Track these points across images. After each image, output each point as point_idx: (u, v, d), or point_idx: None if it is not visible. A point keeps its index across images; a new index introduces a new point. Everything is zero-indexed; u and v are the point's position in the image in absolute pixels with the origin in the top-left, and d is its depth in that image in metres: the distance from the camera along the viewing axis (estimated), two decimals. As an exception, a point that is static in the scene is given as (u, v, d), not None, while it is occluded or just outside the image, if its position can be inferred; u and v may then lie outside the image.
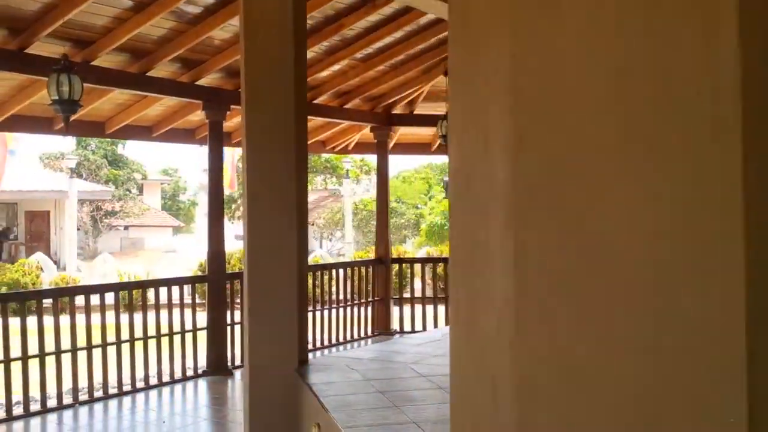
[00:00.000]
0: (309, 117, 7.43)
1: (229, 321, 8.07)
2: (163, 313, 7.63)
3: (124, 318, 7.22)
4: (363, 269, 9.97)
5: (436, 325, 10.29)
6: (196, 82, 7.62)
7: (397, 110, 10.17)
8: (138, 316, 7.31)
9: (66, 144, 43.54)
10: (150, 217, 38.58)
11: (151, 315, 7.48)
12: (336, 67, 8.53)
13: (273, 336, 5.04)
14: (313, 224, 37.45)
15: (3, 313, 6.23)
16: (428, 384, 4.59)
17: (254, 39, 4.90)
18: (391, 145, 10.32)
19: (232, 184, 21.75)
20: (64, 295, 7.17)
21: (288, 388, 4.91)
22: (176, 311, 7.70)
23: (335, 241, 39.45)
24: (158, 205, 42.22)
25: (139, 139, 8.76)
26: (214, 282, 7.88)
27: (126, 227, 37.99)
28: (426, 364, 5.14)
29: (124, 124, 8.12)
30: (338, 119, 9.62)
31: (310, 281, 8.72)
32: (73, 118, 7.45)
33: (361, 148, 11.46)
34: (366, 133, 10.49)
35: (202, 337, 8.00)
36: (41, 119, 7.47)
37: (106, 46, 6.48)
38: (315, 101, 8.78)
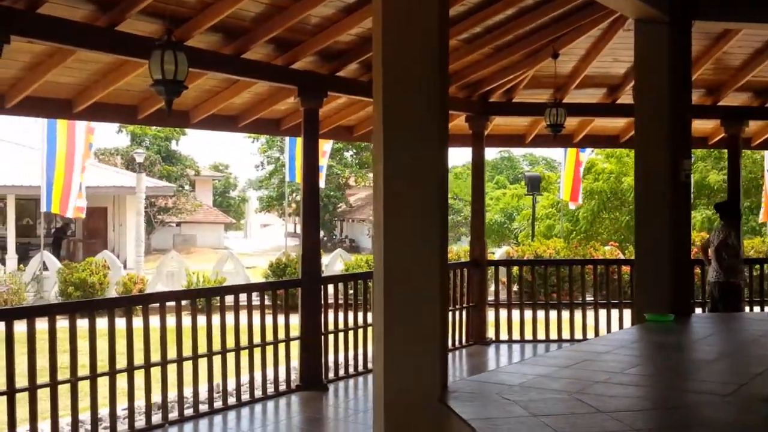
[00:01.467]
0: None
1: (323, 329, 7.34)
2: (242, 318, 6.87)
3: (202, 321, 6.47)
4: (457, 272, 9.15)
5: (537, 335, 9.44)
6: (291, 66, 6.89)
7: (494, 98, 9.33)
8: (216, 322, 6.52)
9: (119, 139, 43.63)
10: (202, 214, 38.38)
11: (229, 321, 6.74)
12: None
13: (413, 354, 4.27)
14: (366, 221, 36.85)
15: (91, 321, 5.59)
16: (618, 425, 3.76)
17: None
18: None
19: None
20: (168, 300, 6.40)
21: (433, 424, 4.12)
22: (256, 317, 6.89)
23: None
24: (210, 202, 42.06)
25: (224, 129, 8.07)
26: (309, 286, 7.16)
27: (178, 224, 37.84)
28: (592, 393, 4.31)
29: (210, 114, 7.43)
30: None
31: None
32: (153, 108, 6.85)
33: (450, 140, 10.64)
34: (457, 123, 9.65)
35: (294, 346, 7.28)
36: (126, 107, 6.83)
37: (202, 25, 5.78)
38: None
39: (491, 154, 50.93)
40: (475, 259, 9.33)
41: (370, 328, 7.59)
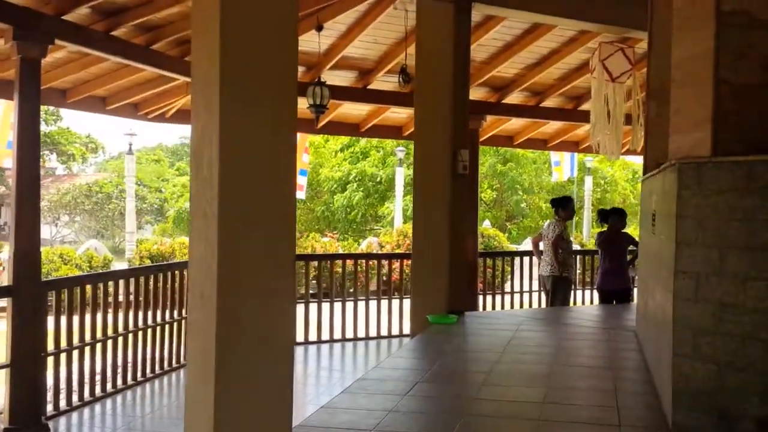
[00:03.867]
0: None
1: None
2: None
3: None
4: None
5: (308, 335, 8.51)
6: (5, -1, 5.08)
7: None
8: None
9: None
10: None
11: None
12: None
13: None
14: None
15: None
16: None
17: None
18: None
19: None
20: None
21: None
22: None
23: (61, 226, 34.60)
24: None
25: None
26: (24, 294, 5.41)
27: None
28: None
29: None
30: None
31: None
32: None
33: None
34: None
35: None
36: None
37: None
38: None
39: (172, 139, 48.52)
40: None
41: (100, 344, 6.11)
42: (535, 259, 9.02)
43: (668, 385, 3.19)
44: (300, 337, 8.65)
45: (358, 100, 9.02)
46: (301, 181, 14.93)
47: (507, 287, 10.18)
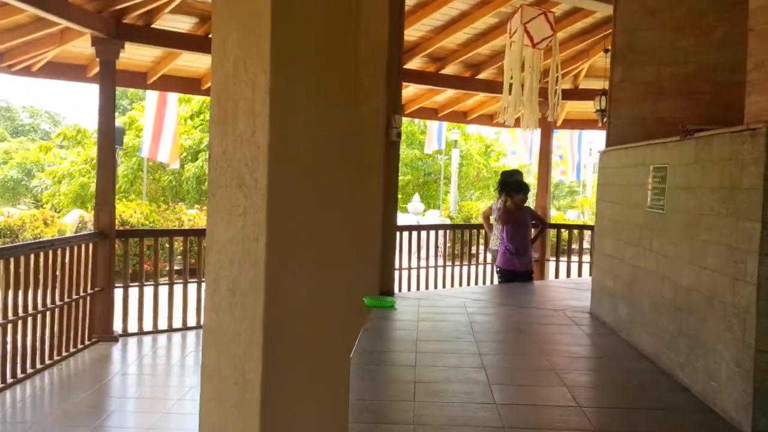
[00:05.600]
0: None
1: None
2: None
3: None
4: (81, 247, 6.77)
5: (173, 321, 7.66)
6: None
7: (129, 20, 7.12)
8: None
9: None
10: None
11: None
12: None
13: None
14: None
15: None
16: None
17: None
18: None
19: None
20: None
21: None
22: None
23: None
24: None
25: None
26: None
27: None
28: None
29: None
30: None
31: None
32: None
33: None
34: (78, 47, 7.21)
35: None
36: None
37: None
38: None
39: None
40: (102, 229, 7.05)
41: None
42: None
43: (736, 384, 2.86)
44: (178, 322, 7.80)
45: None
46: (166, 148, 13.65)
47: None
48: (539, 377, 3.66)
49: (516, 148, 22.00)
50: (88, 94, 48.46)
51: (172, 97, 13.40)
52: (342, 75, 2.23)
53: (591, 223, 21.65)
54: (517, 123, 7.91)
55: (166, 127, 13.24)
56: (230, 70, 2.15)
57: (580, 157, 20.18)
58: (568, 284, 7.34)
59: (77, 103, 53.71)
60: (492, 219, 7.56)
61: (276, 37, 2.05)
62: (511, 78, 7.51)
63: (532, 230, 7.50)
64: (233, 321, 2.17)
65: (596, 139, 22.35)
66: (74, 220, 13.56)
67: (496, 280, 7.90)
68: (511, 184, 7.18)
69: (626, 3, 5.14)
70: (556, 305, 5.76)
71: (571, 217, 27.01)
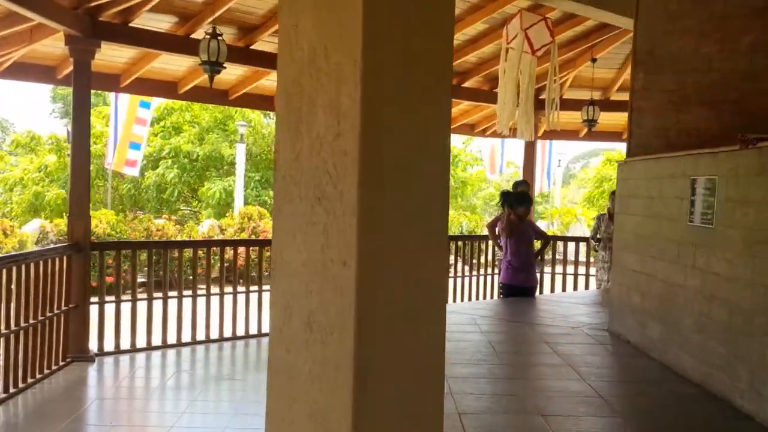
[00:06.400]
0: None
1: None
2: None
3: None
4: (54, 261, 6.27)
5: (152, 338, 7.20)
6: None
7: (106, 17, 6.67)
8: None
9: None
10: None
11: None
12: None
13: None
14: None
15: None
16: None
17: None
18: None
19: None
20: None
21: None
22: None
23: None
24: None
25: None
26: None
27: None
28: None
29: None
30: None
31: None
32: None
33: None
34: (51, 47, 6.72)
35: None
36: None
37: None
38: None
39: None
40: (77, 241, 6.55)
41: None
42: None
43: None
44: (158, 339, 7.36)
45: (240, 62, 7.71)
46: (135, 156, 13.08)
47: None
48: (589, 406, 3.37)
49: (482, 160, 21.91)
50: (40, 98, 46.98)
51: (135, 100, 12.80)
52: (440, 61, 1.89)
53: (560, 233, 21.67)
54: (513, 133, 7.65)
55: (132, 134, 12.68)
56: (304, 59, 1.80)
57: (550, 166, 20.12)
58: (570, 299, 7.09)
59: (28, 108, 52.06)
60: (498, 230, 7.21)
61: (369, 17, 1.71)
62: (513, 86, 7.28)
63: (536, 243, 7.21)
64: (310, 362, 1.82)
65: (565, 150, 22.38)
66: (35, 229, 12.89)
67: (496, 295, 7.63)
68: (513, 195, 6.92)
69: (648, 7, 4.92)
70: (568, 322, 5.49)
71: (542, 227, 27.03)
